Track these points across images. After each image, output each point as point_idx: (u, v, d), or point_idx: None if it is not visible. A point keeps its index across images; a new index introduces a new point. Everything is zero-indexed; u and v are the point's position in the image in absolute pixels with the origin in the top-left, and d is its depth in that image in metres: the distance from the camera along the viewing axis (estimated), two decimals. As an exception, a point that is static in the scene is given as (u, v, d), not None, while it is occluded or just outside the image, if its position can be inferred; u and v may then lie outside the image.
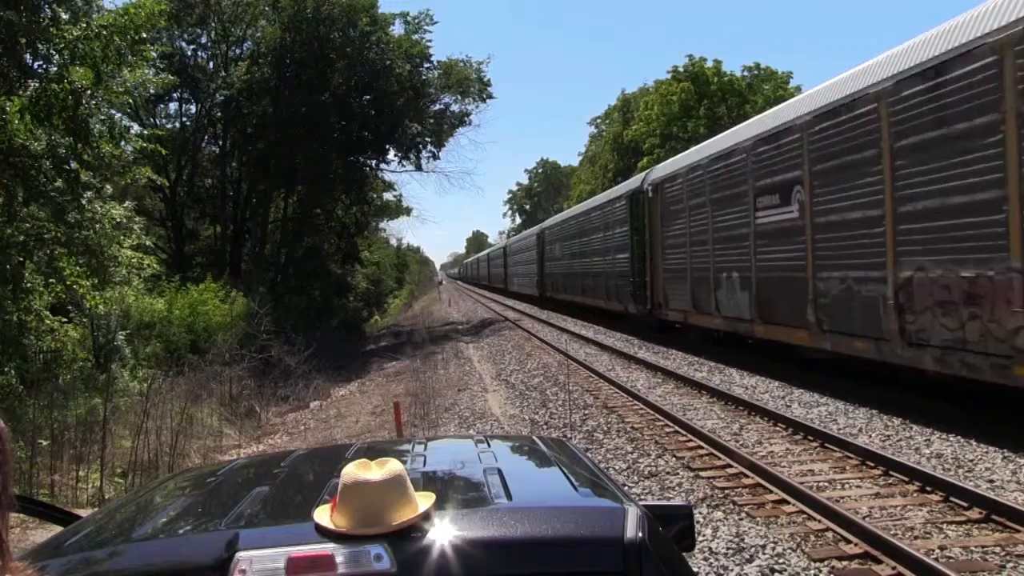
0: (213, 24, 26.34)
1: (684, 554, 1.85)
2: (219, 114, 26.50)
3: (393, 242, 58.70)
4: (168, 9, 13.79)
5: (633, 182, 22.11)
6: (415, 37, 28.33)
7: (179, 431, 9.96)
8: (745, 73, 42.15)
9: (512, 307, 38.78)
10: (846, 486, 6.68)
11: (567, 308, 30.82)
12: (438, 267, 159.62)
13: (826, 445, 7.95)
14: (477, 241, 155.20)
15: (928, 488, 6.29)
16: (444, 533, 1.43)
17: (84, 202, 10.49)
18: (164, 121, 27.26)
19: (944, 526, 5.54)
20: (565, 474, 1.89)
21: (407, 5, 65.93)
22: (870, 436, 8.28)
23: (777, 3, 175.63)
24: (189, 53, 26.68)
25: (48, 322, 10.58)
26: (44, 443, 8.80)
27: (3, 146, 9.57)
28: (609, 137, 54.31)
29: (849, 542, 5.27)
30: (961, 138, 8.29)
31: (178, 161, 25.86)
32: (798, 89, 38.66)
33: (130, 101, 16.01)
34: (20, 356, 10.23)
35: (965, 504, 5.83)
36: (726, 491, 6.72)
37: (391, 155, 29.21)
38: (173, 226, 26.16)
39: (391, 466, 1.50)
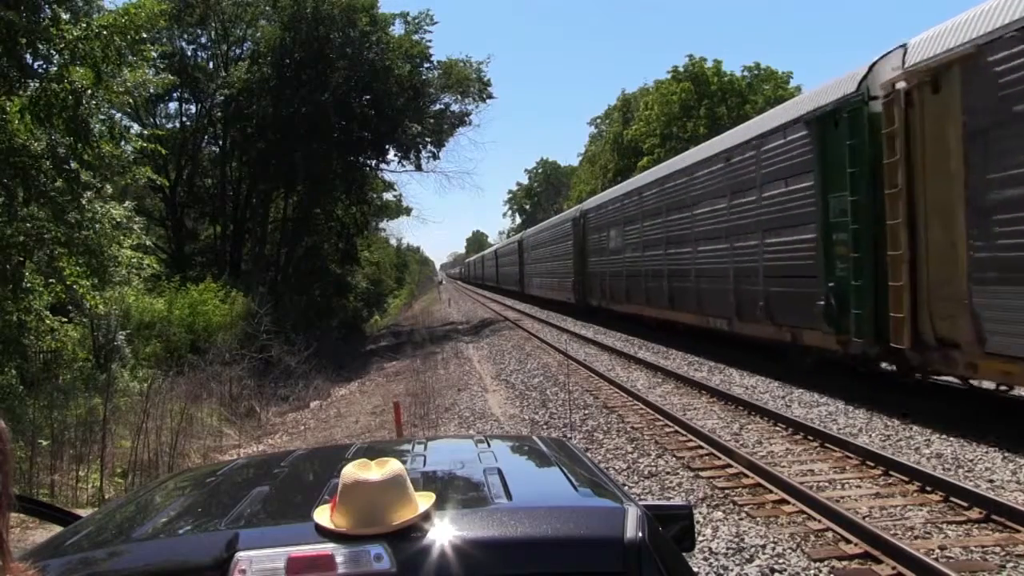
0: (213, 24, 26.34)
1: (684, 554, 1.85)
2: (219, 114, 26.50)
3: (393, 242, 58.73)
4: (168, 9, 13.80)
5: (840, 85, 10.61)
6: (415, 37, 28.33)
7: (179, 431, 9.97)
8: (745, 73, 42.16)
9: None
10: (846, 486, 6.68)
11: (636, 327, 20.38)
12: (438, 267, 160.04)
13: (826, 445, 7.95)
14: (477, 241, 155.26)
15: (928, 488, 6.29)
16: (444, 533, 1.43)
17: (84, 202, 10.50)
18: (164, 121, 27.28)
19: (944, 526, 5.54)
20: (565, 474, 1.90)
21: (407, 5, 66.05)
22: (870, 436, 8.28)
23: (777, 3, 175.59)
24: (189, 53, 26.68)
25: (48, 322, 10.59)
26: (44, 443, 8.81)
27: (3, 146, 9.58)
28: (609, 137, 54.28)
29: (849, 542, 5.26)
30: None
31: (178, 161, 25.86)
32: (798, 89, 38.70)
33: (130, 101, 16.05)
34: (20, 356, 10.25)
35: (965, 504, 5.83)
36: (726, 491, 6.72)
37: (391, 155, 29.25)
38: (173, 226, 26.16)
39: (391, 466, 1.51)
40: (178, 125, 27.05)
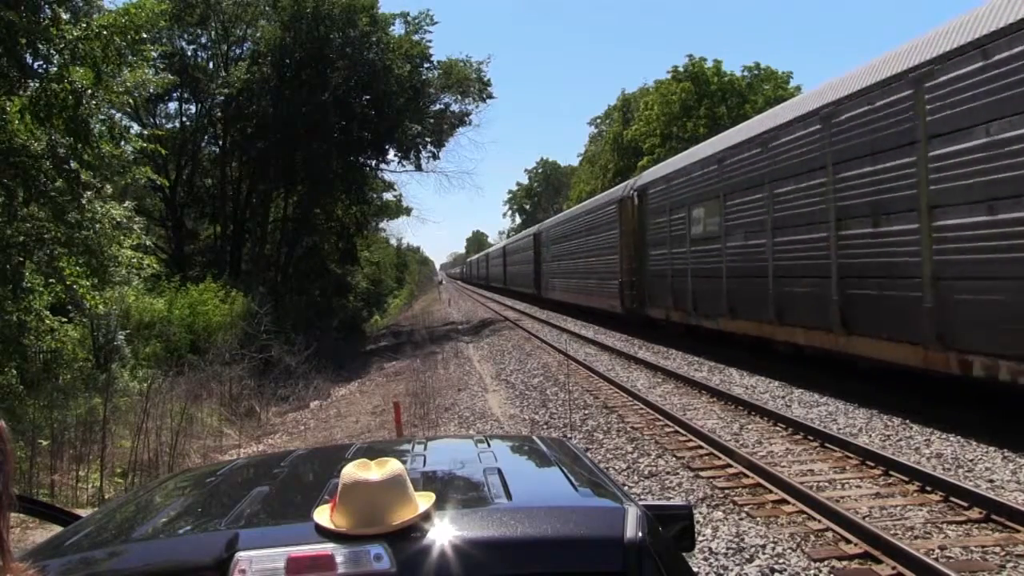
0: (213, 24, 26.35)
1: (684, 554, 1.85)
2: (219, 114, 26.52)
3: (393, 242, 58.69)
4: (168, 9, 13.79)
5: None
6: (415, 37, 28.36)
7: (179, 431, 9.97)
8: (745, 73, 42.18)
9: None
10: (846, 486, 6.68)
11: (731, 352, 14.34)
12: (438, 267, 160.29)
13: (826, 445, 7.95)
14: (477, 241, 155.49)
15: (928, 488, 6.29)
16: (444, 533, 1.43)
17: (84, 202, 10.50)
18: (164, 121, 27.30)
19: (944, 526, 5.54)
20: (565, 474, 1.90)
21: (407, 5, 66.14)
22: (870, 436, 8.28)
23: (777, 3, 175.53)
24: (189, 53, 26.68)
25: (48, 322, 10.59)
26: (44, 443, 8.81)
27: (3, 146, 9.58)
28: (609, 137, 54.32)
29: (849, 542, 5.27)
30: None
31: (178, 161, 25.86)
32: (798, 89, 38.73)
33: (130, 101, 16.00)
34: (20, 356, 10.24)
35: (965, 504, 5.83)
36: (726, 491, 6.72)
37: (391, 155, 29.30)
38: (173, 226, 26.16)
39: (391, 466, 1.51)
40: (178, 125, 27.06)
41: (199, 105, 26.54)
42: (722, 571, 4.92)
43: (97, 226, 10.66)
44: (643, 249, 19.48)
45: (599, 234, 24.12)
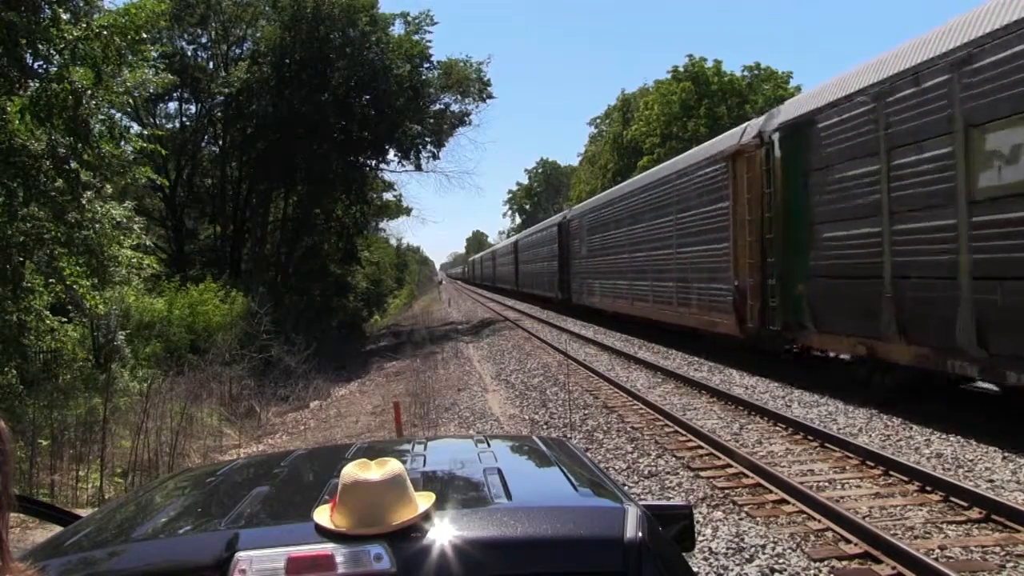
0: (213, 24, 26.35)
1: (684, 554, 1.85)
2: (219, 114, 26.51)
3: (393, 242, 58.64)
4: (168, 9, 13.77)
5: None
6: (415, 37, 28.35)
7: (179, 431, 9.97)
8: (745, 73, 42.18)
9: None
10: (846, 486, 6.68)
11: None
12: (438, 267, 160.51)
13: (826, 445, 7.95)
14: (477, 241, 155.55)
15: (928, 488, 6.30)
16: (444, 533, 1.43)
17: (84, 202, 10.49)
18: (164, 121, 27.29)
19: (944, 526, 5.55)
20: (565, 474, 1.90)
21: (407, 5, 66.17)
22: (870, 436, 8.28)
23: (777, 3, 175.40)
24: (189, 53, 26.67)
25: (48, 322, 10.58)
26: (44, 443, 8.81)
27: (3, 146, 9.58)
28: (609, 137, 54.31)
29: (849, 542, 5.27)
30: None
31: (178, 161, 25.85)
32: (798, 89, 38.70)
33: (130, 101, 16.01)
34: (20, 356, 10.23)
35: (965, 504, 5.83)
36: (726, 491, 6.72)
37: (391, 155, 29.27)
38: (173, 226, 26.16)
39: (391, 466, 1.51)
40: (178, 125, 27.06)
41: (199, 105, 26.54)
42: (722, 571, 4.92)
43: (97, 226, 10.65)
44: (792, 230, 11.69)
45: (686, 212, 15.85)
